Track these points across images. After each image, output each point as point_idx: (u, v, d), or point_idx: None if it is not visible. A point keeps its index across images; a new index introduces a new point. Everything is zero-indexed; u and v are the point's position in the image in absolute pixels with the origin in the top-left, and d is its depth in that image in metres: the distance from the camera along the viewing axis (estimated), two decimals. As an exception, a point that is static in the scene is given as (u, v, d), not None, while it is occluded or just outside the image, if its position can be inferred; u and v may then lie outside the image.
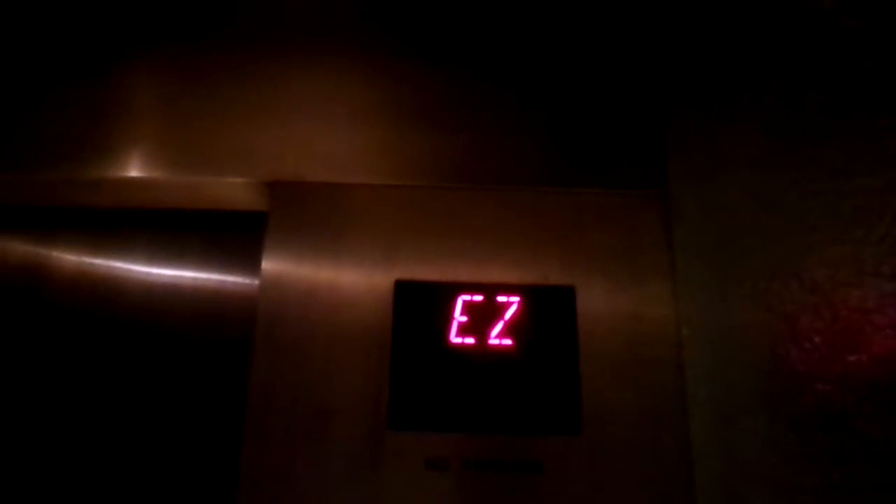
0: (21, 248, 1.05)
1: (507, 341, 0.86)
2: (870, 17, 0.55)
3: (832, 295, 0.58)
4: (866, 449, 0.54)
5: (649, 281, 0.88)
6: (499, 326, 0.87)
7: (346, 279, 0.89)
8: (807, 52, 0.64)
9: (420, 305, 0.87)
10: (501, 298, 0.87)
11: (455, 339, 0.86)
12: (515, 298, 0.87)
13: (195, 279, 1.01)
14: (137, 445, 0.95)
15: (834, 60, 0.60)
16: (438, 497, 0.80)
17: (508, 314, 0.87)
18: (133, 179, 0.95)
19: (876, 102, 0.55)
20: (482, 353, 0.86)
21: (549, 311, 0.87)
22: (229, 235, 1.01)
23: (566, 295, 0.88)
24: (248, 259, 0.97)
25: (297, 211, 0.91)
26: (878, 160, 0.53)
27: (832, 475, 0.58)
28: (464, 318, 0.87)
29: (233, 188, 0.94)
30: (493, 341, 0.86)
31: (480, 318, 0.87)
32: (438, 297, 0.88)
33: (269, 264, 0.89)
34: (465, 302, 0.87)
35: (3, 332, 1.00)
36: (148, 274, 1.02)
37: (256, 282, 0.90)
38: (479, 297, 0.87)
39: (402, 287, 0.88)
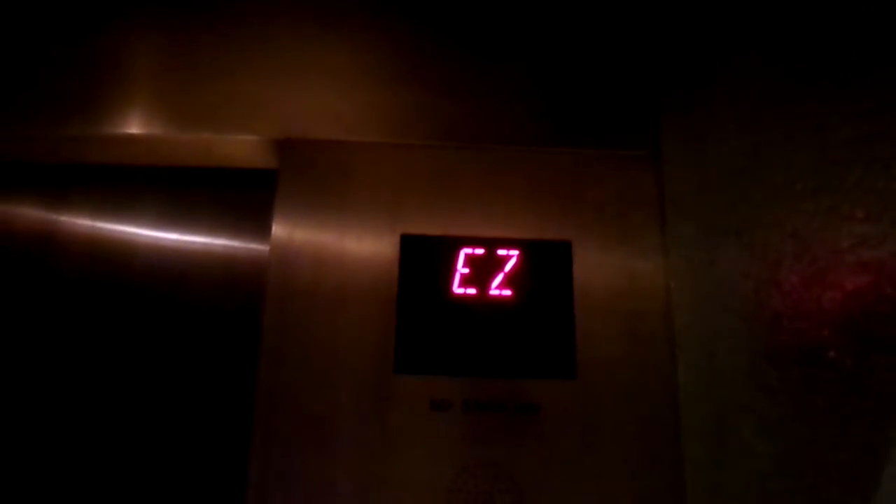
0: (30, 211, 1.06)
1: (507, 292, 0.91)
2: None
3: (811, 239, 0.63)
4: (838, 378, 0.59)
5: (641, 236, 0.93)
6: (499, 278, 0.92)
7: (354, 234, 0.93)
8: (787, 16, 0.69)
9: (425, 258, 0.92)
10: (501, 252, 0.92)
11: (458, 289, 0.91)
12: (515, 252, 0.92)
13: (205, 243, 1.04)
14: (149, 407, 0.98)
15: (812, 24, 0.64)
16: (441, 434, 0.86)
17: (508, 266, 0.92)
18: (144, 136, 0.98)
19: (850, 64, 0.60)
20: (483, 302, 0.91)
21: (546, 263, 0.92)
22: (239, 193, 1.04)
23: (563, 249, 0.93)
24: (258, 217, 1.00)
25: (306, 168, 0.95)
26: (851, 116, 0.58)
27: (808, 404, 0.64)
28: (466, 270, 0.92)
29: (243, 146, 0.98)
30: (493, 292, 0.91)
31: (482, 270, 0.92)
32: (442, 250, 0.92)
33: (279, 220, 0.93)
34: (467, 255, 0.92)
35: (12, 296, 1.02)
36: (157, 238, 1.04)
37: (267, 241, 0.93)
38: (480, 251, 0.92)
39: (407, 241, 0.93)
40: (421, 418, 0.86)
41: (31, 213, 1.06)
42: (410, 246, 0.92)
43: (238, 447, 0.87)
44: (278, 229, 0.93)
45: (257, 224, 1.01)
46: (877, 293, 0.56)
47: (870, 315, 0.56)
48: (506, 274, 0.92)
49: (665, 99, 0.97)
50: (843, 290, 0.59)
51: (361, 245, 0.93)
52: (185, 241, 1.04)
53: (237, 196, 1.04)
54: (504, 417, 0.87)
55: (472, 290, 0.91)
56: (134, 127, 0.98)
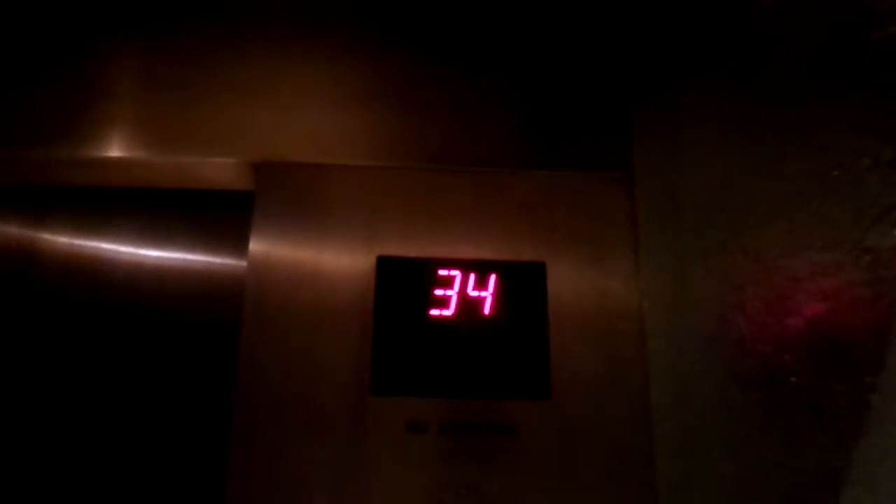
0: (10, 230, 1.07)
1: (482, 313, 0.92)
2: (804, 17, 0.61)
3: (773, 266, 0.65)
4: (798, 401, 0.61)
5: (614, 257, 0.95)
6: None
7: (331, 255, 0.94)
8: (751, 45, 0.70)
9: (401, 280, 0.93)
10: (477, 273, 0.93)
11: (433, 311, 0.92)
12: (490, 274, 0.93)
13: (184, 260, 1.05)
14: (126, 421, 0.98)
15: (767, 54, 0.66)
16: (417, 456, 0.87)
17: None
18: (123, 159, 0.98)
19: (802, 98, 0.61)
20: (458, 324, 0.92)
21: (521, 285, 0.93)
22: (217, 215, 1.05)
23: (537, 270, 0.94)
24: (235, 238, 1.01)
25: (282, 191, 0.96)
26: (805, 148, 0.60)
27: (771, 427, 0.65)
28: (441, 292, 0.93)
29: (220, 168, 0.99)
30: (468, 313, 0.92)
31: (457, 292, 0.93)
32: (418, 272, 0.93)
33: (256, 242, 0.94)
34: (442, 276, 0.93)
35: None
36: (135, 255, 1.05)
37: (244, 261, 0.94)
38: (455, 272, 0.93)
39: (383, 263, 0.93)
40: (397, 440, 0.87)
41: (12, 231, 1.07)
42: (387, 267, 0.93)
43: (215, 464, 0.87)
44: (255, 252, 0.94)
45: (235, 244, 1.01)
46: (833, 321, 0.57)
47: (827, 342, 0.58)
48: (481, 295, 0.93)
49: (636, 122, 0.98)
50: (802, 317, 0.61)
51: (338, 266, 0.94)
52: (164, 258, 1.05)
53: (215, 216, 1.05)
54: (480, 439, 0.88)
55: (447, 312, 0.92)
56: (114, 150, 0.98)
